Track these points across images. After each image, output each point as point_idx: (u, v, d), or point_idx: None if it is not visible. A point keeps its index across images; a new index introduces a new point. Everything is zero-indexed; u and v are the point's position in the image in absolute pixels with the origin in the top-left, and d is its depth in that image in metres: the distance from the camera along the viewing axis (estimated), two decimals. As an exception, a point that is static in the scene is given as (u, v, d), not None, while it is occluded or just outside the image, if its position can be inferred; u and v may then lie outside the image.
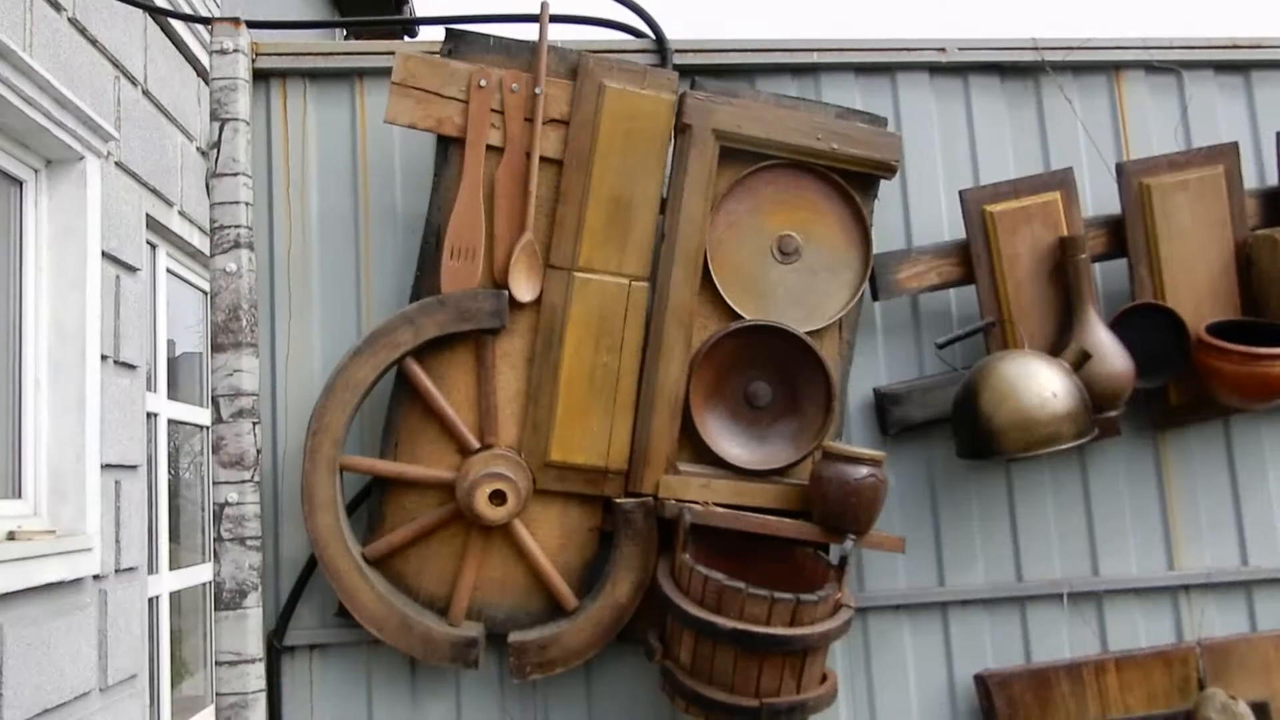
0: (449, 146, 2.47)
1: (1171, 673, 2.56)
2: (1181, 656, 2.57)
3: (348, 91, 2.68)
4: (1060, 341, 2.54)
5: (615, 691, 2.55)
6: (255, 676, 2.38)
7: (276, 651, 2.47)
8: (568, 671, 2.45)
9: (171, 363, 5.40)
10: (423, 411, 2.46)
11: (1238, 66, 2.90)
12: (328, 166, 2.65)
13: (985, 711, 2.55)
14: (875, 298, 2.62)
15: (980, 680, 2.56)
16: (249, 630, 2.39)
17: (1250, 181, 2.78)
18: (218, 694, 2.37)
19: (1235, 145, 2.68)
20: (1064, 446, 2.33)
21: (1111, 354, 2.47)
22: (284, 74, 2.66)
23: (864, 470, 2.32)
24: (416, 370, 2.43)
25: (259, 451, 2.48)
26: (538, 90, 2.45)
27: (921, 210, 2.75)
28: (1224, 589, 2.72)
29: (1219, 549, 2.75)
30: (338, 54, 2.68)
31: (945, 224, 2.73)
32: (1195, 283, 2.64)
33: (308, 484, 2.38)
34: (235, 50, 2.55)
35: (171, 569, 5.00)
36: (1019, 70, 2.83)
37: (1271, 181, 2.80)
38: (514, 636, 2.41)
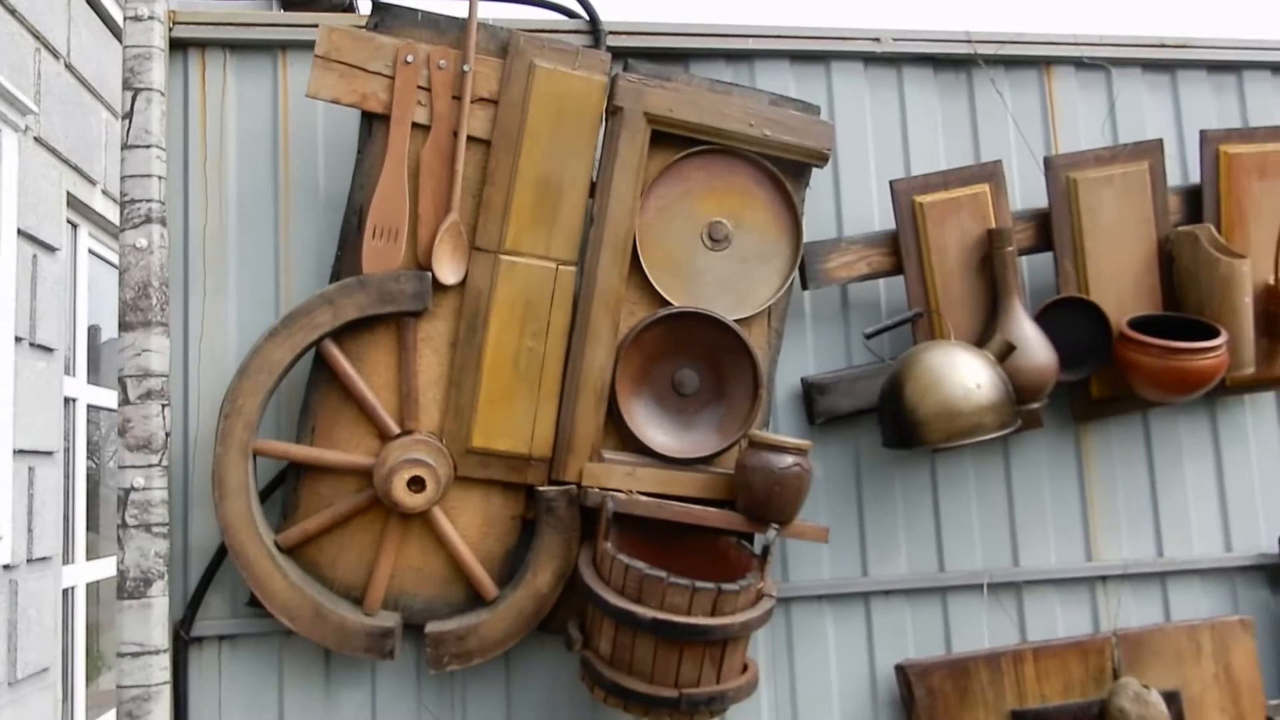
0: (373, 123, 2.41)
1: (1087, 662, 2.59)
2: (1097, 646, 2.60)
3: (270, 64, 2.60)
4: (986, 333, 2.55)
5: (535, 682, 2.51)
6: (159, 668, 2.30)
7: (183, 642, 2.38)
8: (486, 662, 2.41)
9: (96, 348, 5.23)
10: (341, 395, 2.40)
11: (1164, 66, 2.94)
12: (247, 141, 2.57)
13: (905, 701, 2.55)
14: (805, 287, 2.61)
15: (901, 670, 2.56)
16: (153, 620, 2.30)
17: (1173, 179, 2.82)
18: (119, 686, 2.28)
19: (1160, 142, 2.71)
20: (987, 437, 2.34)
21: (1035, 346, 2.49)
22: (203, 44, 2.57)
23: (789, 459, 2.31)
24: (335, 353, 2.36)
25: (168, 435, 2.39)
26: (466, 68, 2.40)
27: (853, 200, 2.74)
28: (1140, 580, 2.76)
29: (1136, 540, 2.79)
30: (260, 25, 2.60)
31: (876, 214, 2.73)
32: (1118, 277, 2.67)
33: (219, 468, 2.30)
34: (150, 17, 2.46)
35: (89, 559, 4.84)
36: (952, 62, 2.83)
37: (1194, 179, 2.84)
38: (431, 626, 2.36)
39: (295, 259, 2.54)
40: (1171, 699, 2.57)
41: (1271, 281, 2.68)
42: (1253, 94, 2.98)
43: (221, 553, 2.39)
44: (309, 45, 2.47)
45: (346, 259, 2.41)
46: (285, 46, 2.59)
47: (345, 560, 2.40)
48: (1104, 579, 2.75)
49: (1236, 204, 2.72)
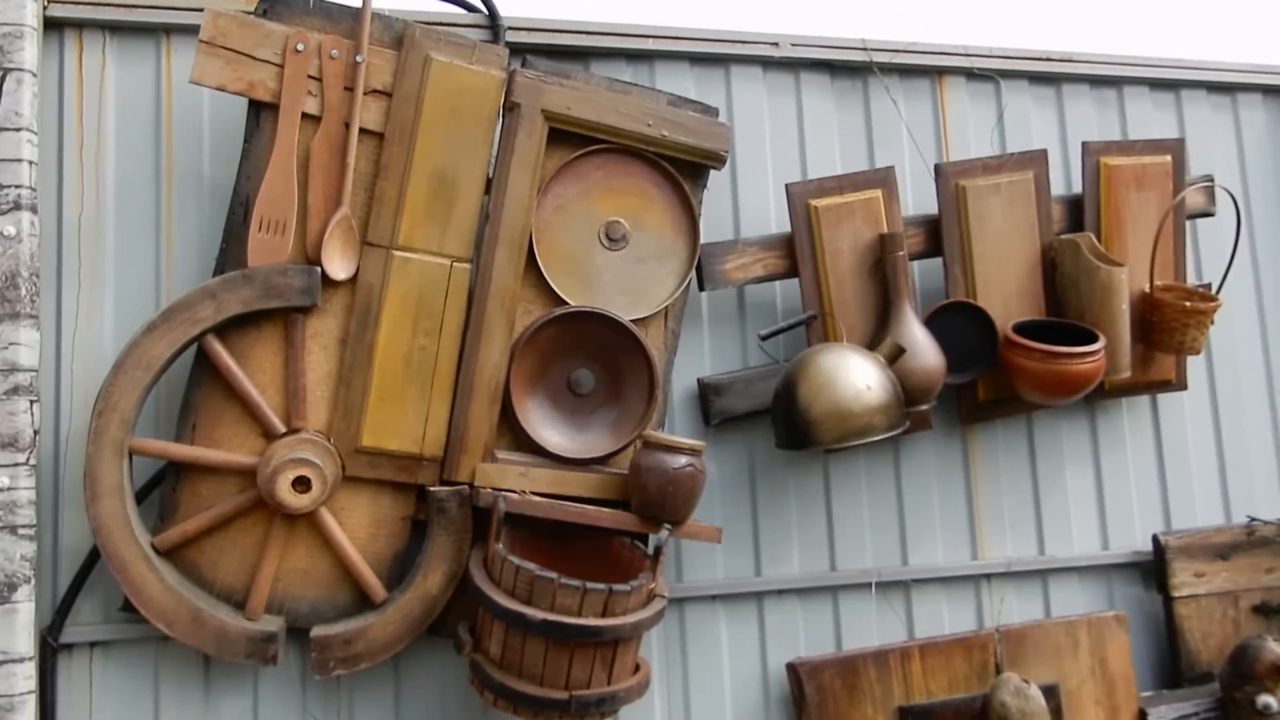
0: (261, 112, 2.34)
1: (971, 658, 2.65)
2: (981, 643, 2.67)
3: (153, 48, 2.50)
4: (878, 336, 2.59)
5: (424, 687, 2.46)
6: (24, 677, 2.18)
7: (52, 649, 2.28)
8: (374, 667, 2.35)
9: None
10: (224, 393, 2.32)
11: (1050, 78, 3.03)
12: (128, 127, 2.47)
13: (796, 699, 2.58)
14: (701, 288, 2.62)
15: (792, 668, 2.59)
16: (18, 627, 2.18)
17: (1057, 188, 2.91)
18: (-21, 696, 2.16)
19: (1044, 152, 2.80)
20: (876, 438, 2.38)
21: (925, 349, 2.54)
22: (80, 24, 2.47)
23: (683, 460, 2.31)
24: (218, 348, 2.28)
25: (37, 433, 2.27)
26: (359, 58, 2.34)
27: (750, 202, 2.77)
28: (1022, 578, 2.85)
29: (1019, 539, 2.87)
30: (142, 6, 2.49)
31: (773, 217, 2.76)
32: (1004, 282, 2.74)
33: (91, 467, 2.20)
34: (22, -7, 2.34)
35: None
36: (848, 69, 2.88)
37: (1077, 189, 2.94)
38: (317, 630, 2.30)
39: (177, 251, 2.45)
40: (1050, 692, 2.66)
41: (1147, 289, 2.79)
42: (1132, 108, 3.10)
43: (94, 556, 2.29)
44: (195, 29, 2.38)
45: (231, 252, 2.33)
46: (169, 30, 2.50)
47: (227, 563, 2.32)
48: (988, 577, 2.83)
49: (1115, 214, 2.82)
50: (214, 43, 2.29)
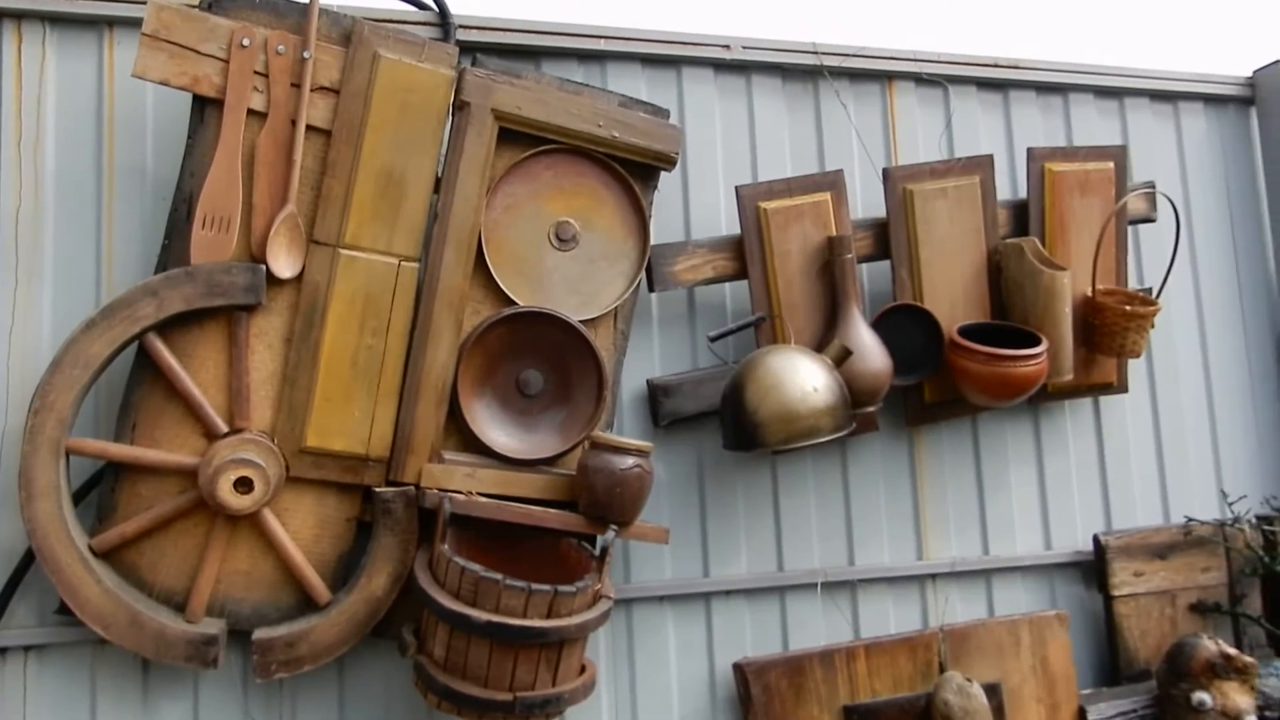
0: (206, 108, 2.30)
1: (916, 658, 2.68)
2: (925, 642, 2.70)
3: (95, 41, 2.46)
4: (826, 338, 2.61)
5: (369, 690, 2.44)
6: (-45, 682, 2.14)
7: (-16, 654, 2.23)
8: (319, 669, 2.33)
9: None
10: (165, 392, 2.28)
11: (997, 85, 3.08)
12: (68, 120, 2.42)
13: (742, 699, 2.59)
14: (651, 289, 2.62)
15: (738, 668, 2.60)
16: (-51, 630, 2.15)
17: (1003, 193, 2.95)
18: (-93, 702, 2.12)
19: (990, 158, 2.84)
20: (823, 439, 2.39)
21: (871, 352, 2.56)
22: (19, 15, 2.42)
23: (630, 461, 2.31)
24: (159, 347, 2.25)
25: (-30, 432, 2.23)
26: (306, 54, 2.32)
27: (701, 204, 2.78)
28: (966, 577, 2.89)
29: (964, 539, 2.91)
30: (83, -1, 2.45)
31: (723, 218, 2.77)
32: (951, 286, 2.77)
33: (26, 467, 2.16)
34: (-43, -16, 2.29)
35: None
36: (799, 72, 2.90)
37: (1022, 194, 2.98)
38: (259, 633, 2.27)
39: (119, 247, 2.41)
40: (992, 690, 2.70)
41: (1090, 293, 2.83)
42: (1077, 115, 3.15)
43: (29, 558, 2.25)
44: (138, 22, 2.35)
45: (174, 249, 2.30)
46: (112, 22, 2.46)
47: (167, 565, 2.29)
48: (933, 577, 2.86)
49: (1059, 219, 2.87)
50: (157, 36, 2.26)
